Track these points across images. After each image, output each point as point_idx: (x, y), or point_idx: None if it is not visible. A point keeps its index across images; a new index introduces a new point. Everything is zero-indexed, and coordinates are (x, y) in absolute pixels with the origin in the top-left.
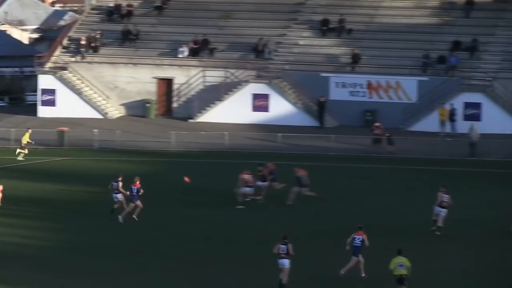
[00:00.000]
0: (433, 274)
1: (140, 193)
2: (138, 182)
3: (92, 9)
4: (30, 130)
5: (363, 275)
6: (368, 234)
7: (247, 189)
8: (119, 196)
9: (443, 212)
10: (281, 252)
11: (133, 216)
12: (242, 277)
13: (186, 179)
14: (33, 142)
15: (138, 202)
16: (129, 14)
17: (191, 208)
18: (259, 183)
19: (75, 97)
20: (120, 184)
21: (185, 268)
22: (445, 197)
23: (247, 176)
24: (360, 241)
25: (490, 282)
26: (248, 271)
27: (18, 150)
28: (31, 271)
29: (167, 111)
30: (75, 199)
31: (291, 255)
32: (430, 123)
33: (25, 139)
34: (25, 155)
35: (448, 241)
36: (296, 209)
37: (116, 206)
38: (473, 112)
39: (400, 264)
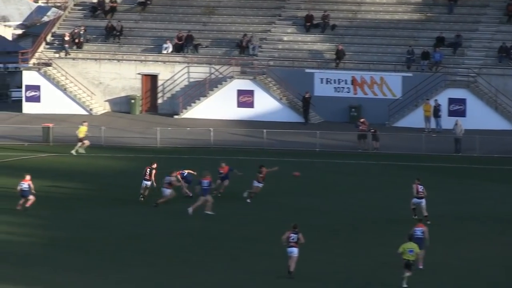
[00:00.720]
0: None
1: (212, 187)
2: (208, 176)
3: (76, 5)
4: (86, 123)
5: (421, 267)
6: (354, 228)
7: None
8: (168, 191)
9: (423, 202)
10: (291, 240)
11: (206, 211)
12: (227, 273)
13: (296, 173)
14: (88, 135)
15: (209, 197)
16: (113, 10)
17: (176, 204)
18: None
19: (59, 93)
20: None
21: (169, 264)
22: (420, 188)
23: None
24: (421, 233)
25: (481, 276)
26: (233, 267)
27: (77, 146)
28: (15, 267)
29: (152, 107)
30: (59, 195)
31: (301, 244)
32: (414, 119)
33: (82, 132)
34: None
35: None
36: (282, 205)
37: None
38: (457, 108)
39: (411, 250)
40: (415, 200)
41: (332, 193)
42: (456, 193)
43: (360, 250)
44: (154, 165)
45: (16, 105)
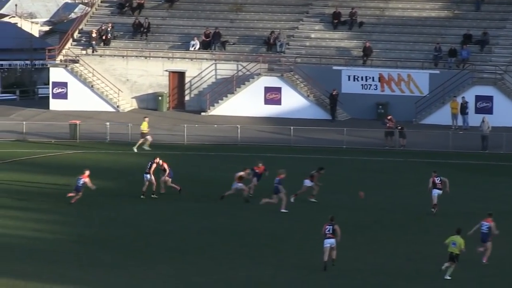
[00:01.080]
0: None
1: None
2: (283, 175)
3: (103, 1)
4: (147, 118)
5: (485, 261)
6: (380, 225)
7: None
8: (239, 185)
9: (440, 192)
10: (327, 232)
11: (282, 210)
12: (252, 270)
13: (361, 194)
14: (149, 129)
15: (282, 195)
16: (140, 6)
17: (203, 202)
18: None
19: (86, 90)
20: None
21: (196, 261)
22: (437, 179)
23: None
24: (487, 228)
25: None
26: (258, 265)
27: (139, 142)
28: (42, 264)
29: (179, 104)
30: (86, 192)
31: (338, 236)
32: (442, 116)
33: (144, 127)
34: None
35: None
36: (309, 202)
37: (227, 193)
38: (484, 105)
39: (453, 242)
40: (434, 191)
41: (358, 190)
42: (483, 190)
43: (387, 247)
44: (157, 160)
45: (43, 102)
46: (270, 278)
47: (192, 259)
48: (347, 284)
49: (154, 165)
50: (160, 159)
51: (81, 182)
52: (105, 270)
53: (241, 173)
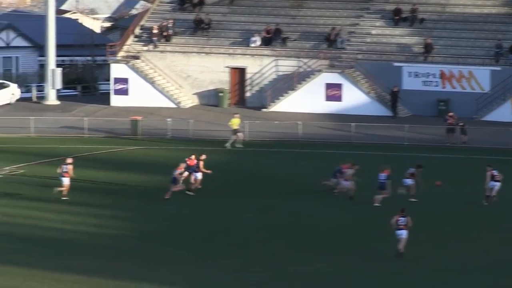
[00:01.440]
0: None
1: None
2: (387, 170)
3: None
4: (237, 115)
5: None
6: (441, 222)
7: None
8: (346, 183)
9: (497, 185)
10: (400, 223)
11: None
12: (316, 267)
13: (438, 183)
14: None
15: (387, 190)
16: (201, 3)
17: (264, 198)
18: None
19: (147, 86)
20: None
21: (258, 258)
22: (495, 172)
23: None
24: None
25: None
26: (322, 261)
27: (231, 139)
28: (104, 260)
29: (240, 101)
30: (147, 188)
31: (409, 227)
32: (503, 113)
33: (235, 124)
34: (235, 141)
35: None
36: (361, 201)
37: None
38: None
39: None
40: (491, 183)
41: (419, 187)
42: None
43: (449, 244)
44: (203, 157)
45: (104, 98)
46: (328, 275)
47: (254, 256)
48: (411, 278)
49: (201, 163)
50: (197, 156)
51: (176, 173)
52: (167, 266)
53: (350, 171)
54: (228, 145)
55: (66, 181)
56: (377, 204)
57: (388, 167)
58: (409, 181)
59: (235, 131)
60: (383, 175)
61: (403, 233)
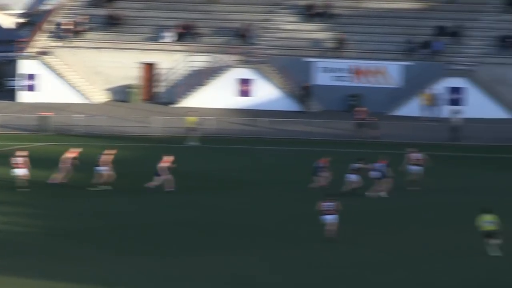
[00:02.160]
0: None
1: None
2: (383, 160)
3: None
4: (193, 113)
5: None
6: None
7: None
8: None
9: (419, 169)
10: (326, 208)
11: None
12: (227, 260)
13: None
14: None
15: (388, 180)
16: None
17: (175, 193)
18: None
19: (59, 82)
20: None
21: (173, 254)
22: (418, 156)
23: None
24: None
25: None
26: (233, 256)
27: (191, 136)
28: (14, 257)
29: (152, 96)
30: (57, 185)
31: (338, 211)
32: (414, 107)
33: (191, 122)
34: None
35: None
36: (281, 195)
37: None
38: (456, 97)
39: (488, 221)
40: (412, 168)
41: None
42: (454, 182)
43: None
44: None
45: (12, 94)
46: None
47: (170, 251)
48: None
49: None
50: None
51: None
52: (77, 263)
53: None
54: (192, 142)
55: (20, 172)
56: (383, 195)
57: (384, 158)
58: (353, 177)
59: (190, 129)
60: (381, 165)
61: (331, 218)
